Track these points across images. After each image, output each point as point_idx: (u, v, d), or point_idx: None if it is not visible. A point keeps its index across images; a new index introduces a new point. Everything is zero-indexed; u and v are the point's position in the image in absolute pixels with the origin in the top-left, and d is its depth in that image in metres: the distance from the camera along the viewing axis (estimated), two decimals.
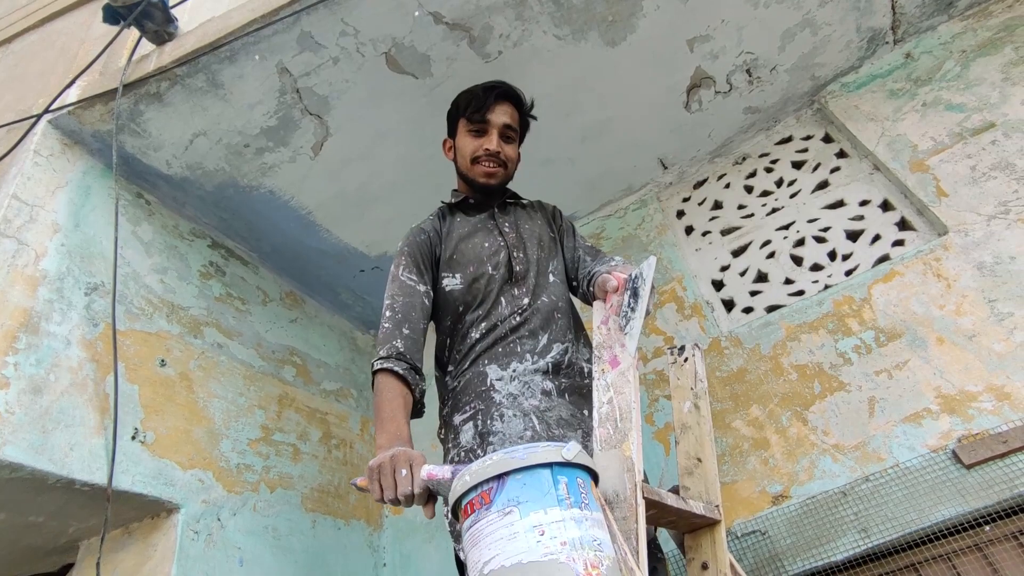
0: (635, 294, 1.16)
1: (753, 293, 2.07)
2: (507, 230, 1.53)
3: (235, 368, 1.94)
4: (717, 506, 1.26)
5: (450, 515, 0.93)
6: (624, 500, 1.01)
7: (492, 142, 1.51)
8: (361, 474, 2.28)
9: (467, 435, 1.27)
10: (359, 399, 2.48)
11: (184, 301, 1.88)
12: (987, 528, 1.43)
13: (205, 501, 1.62)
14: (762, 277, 2.09)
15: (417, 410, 1.31)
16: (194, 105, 1.77)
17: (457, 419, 1.32)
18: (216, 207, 2.07)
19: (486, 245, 1.50)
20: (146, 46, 1.77)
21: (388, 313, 1.34)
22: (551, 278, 1.52)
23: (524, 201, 1.67)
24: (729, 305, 2.10)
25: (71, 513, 1.49)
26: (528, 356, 1.36)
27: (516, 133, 1.59)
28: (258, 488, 1.81)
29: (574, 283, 1.57)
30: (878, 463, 1.59)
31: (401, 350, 1.27)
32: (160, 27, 1.71)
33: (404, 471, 1.01)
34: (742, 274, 2.12)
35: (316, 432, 2.17)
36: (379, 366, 1.25)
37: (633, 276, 1.19)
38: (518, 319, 1.40)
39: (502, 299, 1.43)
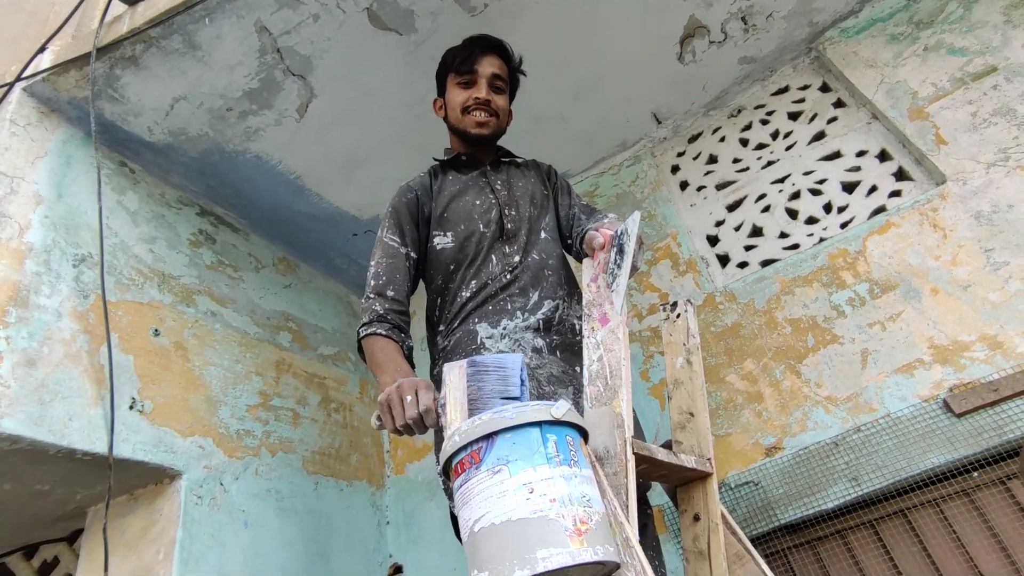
0: (621, 250, 1.15)
1: (748, 248, 2.06)
2: (499, 188, 1.52)
3: (230, 335, 1.94)
4: (709, 459, 1.28)
5: (442, 474, 0.94)
6: (614, 456, 1.02)
7: (481, 91, 1.51)
8: (361, 442, 2.30)
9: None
10: (357, 363, 2.49)
11: (175, 270, 1.86)
12: (975, 474, 1.45)
13: (207, 467, 1.65)
14: (757, 231, 2.07)
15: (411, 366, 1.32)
16: (172, 68, 1.71)
17: None
18: (202, 174, 2.04)
19: (477, 203, 1.49)
20: (118, 6, 1.71)
21: (373, 281, 1.37)
22: (542, 235, 1.51)
23: (519, 160, 1.65)
24: (724, 260, 2.09)
25: (76, 481, 1.52)
26: (519, 313, 1.36)
27: (505, 84, 1.59)
28: (259, 453, 1.84)
29: (569, 241, 1.57)
30: (870, 414, 1.60)
31: (382, 313, 1.31)
32: None
33: (410, 397, 1.03)
34: (737, 229, 2.10)
35: (315, 396, 2.19)
36: (364, 332, 1.29)
37: (619, 232, 1.17)
38: (508, 277, 1.40)
39: (492, 257, 1.43)
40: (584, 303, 1.21)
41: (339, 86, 1.90)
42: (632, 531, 0.91)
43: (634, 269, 1.18)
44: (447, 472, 0.92)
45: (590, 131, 2.35)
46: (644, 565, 0.87)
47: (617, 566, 0.84)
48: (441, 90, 1.63)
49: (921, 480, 1.50)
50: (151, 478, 1.58)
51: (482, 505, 0.82)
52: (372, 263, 1.41)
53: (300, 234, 2.39)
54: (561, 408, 0.90)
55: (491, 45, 1.56)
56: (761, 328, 1.86)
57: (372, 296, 1.34)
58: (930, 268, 1.69)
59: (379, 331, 1.28)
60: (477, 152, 1.58)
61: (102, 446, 1.42)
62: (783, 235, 2.01)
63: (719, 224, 2.15)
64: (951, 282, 1.65)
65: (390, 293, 1.35)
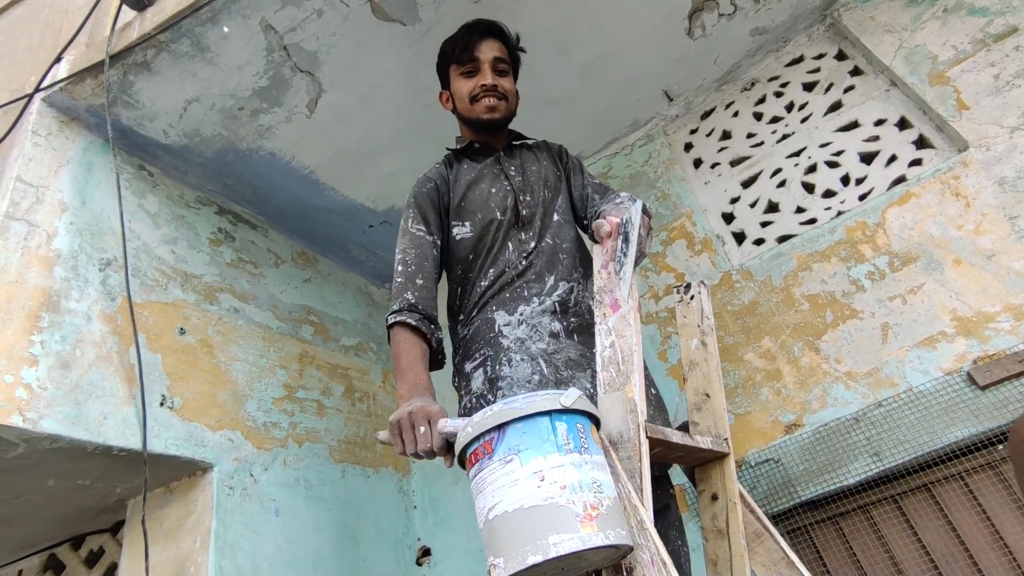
0: (626, 239, 1.15)
1: (764, 224, 2.03)
2: (513, 174, 1.52)
3: (253, 331, 1.99)
4: (726, 439, 1.29)
5: (457, 464, 0.97)
6: (628, 440, 1.03)
7: (487, 77, 1.51)
8: (385, 426, 2.35)
9: (477, 381, 1.30)
10: (379, 352, 2.54)
11: (197, 269, 1.91)
12: (1001, 447, 1.43)
13: (237, 459, 1.71)
14: (773, 207, 2.04)
15: (436, 360, 1.34)
16: (183, 71, 1.74)
17: (468, 366, 1.35)
18: (219, 173, 2.07)
19: (493, 191, 1.49)
20: (128, 12, 1.73)
21: (400, 268, 1.36)
22: (555, 217, 1.51)
23: (530, 142, 1.65)
24: (740, 238, 2.07)
25: (114, 476, 1.58)
26: (535, 299, 1.37)
27: (508, 65, 1.57)
28: (286, 443, 1.89)
29: (585, 221, 1.56)
30: (891, 388, 1.59)
31: (413, 302, 1.31)
32: None
33: (423, 428, 1.04)
34: (752, 205, 2.08)
35: (339, 387, 2.24)
36: (393, 320, 1.29)
37: (624, 220, 1.17)
38: (524, 263, 1.41)
39: (509, 244, 1.44)
40: (596, 290, 1.22)
41: (347, 80, 1.91)
42: (646, 514, 0.92)
43: (641, 255, 1.18)
44: (462, 463, 0.95)
45: (600, 112, 2.33)
46: (658, 546, 0.88)
47: (631, 548, 0.86)
48: (444, 82, 1.62)
49: (945, 454, 1.49)
50: (184, 471, 1.64)
51: (495, 494, 0.84)
52: (399, 253, 1.40)
53: (317, 228, 2.43)
54: (571, 396, 0.92)
55: (488, 29, 1.55)
56: (778, 305, 1.84)
57: (401, 282, 1.34)
58: (952, 238, 1.65)
59: (409, 320, 1.27)
60: (489, 138, 1.58)
61: (136, 442, 1.48)
62: (800, 210, 1.98)
63: (734, 201, 2.12)
64: (974, 252, 1.61)
65: (419, 281, 1.34)
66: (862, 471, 1.53)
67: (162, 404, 1.59)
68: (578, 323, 1.38)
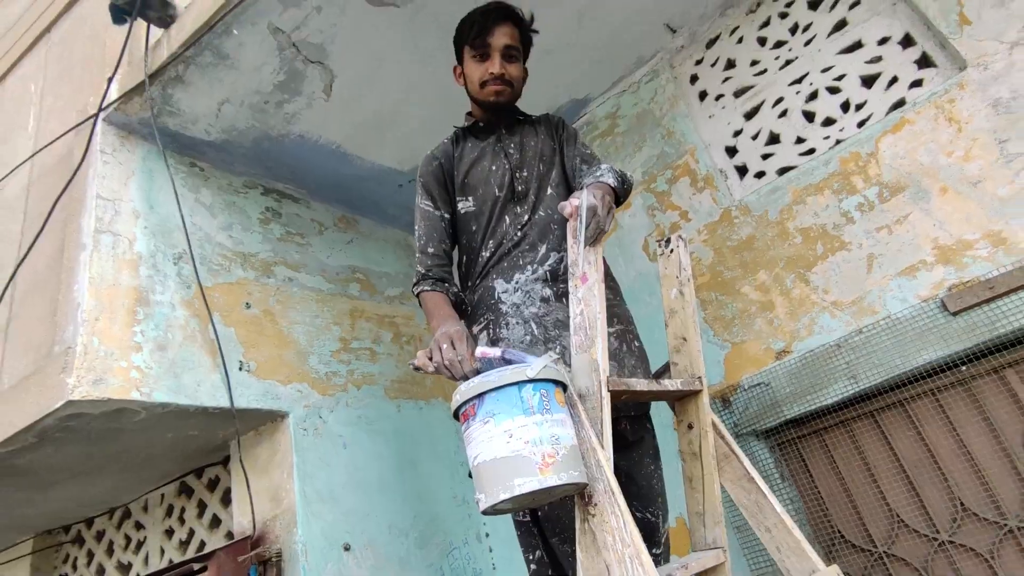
0: (582, 220, 1.31)
1: (765, 156, 2.08)
2: (512, 151, 1.67)
3: (307, 295, 2.31)
4: (699, 377, 1.49)
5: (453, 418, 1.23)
6: (592, 394, 1.25)
7: (495, 65, 1.60)
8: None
9: (482, 342, 1.55)
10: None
11: (252, 248, 2.22)
12: (963, 368, 1.55)
13: (306, 405, 2.08)
14: (774, 139, 2.08)
15: (461, 309, 1.58)
16: (211, 79, 1.95)
17: (475, 329, 1.59)
18: (259, 159, 2.32)
19: (493, 168, 1.66)
20: (156, 31, 1.94)
21: (417, 243, 1.61)
22: (549, 191, 1.67)
23: (532, 117, 1.77)
24: (743, 172, 2.13)
25: (215, 426, 1.98)
26: (529, 267, 1.57)
27: (519, 52, 1.66)
28: (347, 388, 2.25)
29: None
30: (872, 316, 1.70)
31: (423, 272, 1.56)
32: (161, 12, 1.86)
33: (445, 345, 1.28)
34: (754, 137, 2.12)
35: (388, 334, 2.56)
36: (416, 291, 1.56)
37: (579, 204, 1.32)
38: (519, 235, 1.60)
39: (506, 218, 1.62)
40: (569, 263, 1.40)
41: (354, 62, 2.06)
42: (603, 454, 1.16)
43: (601, 232, 1.34)
44: (457, 417, 1.21)
45: (602, 52, 2.35)
46: (610, 479, 1.13)
47: (586, 484, 1.11)
48: (459, 58, 1.70)
49: (918, 374, 1.62)
50: (267, 419, 2.03)
51: (477, 447, 1.11)
52: (415, 227, 1.65)
53: (353, 194, 2.67)
54: (535, 368, 1.14)
55: (502, 15, 1.61)
56: (774, 239, 1.94)
57: (417, 256, 1.59)
58: (941, 166, 1.68)
59: (424, 288, 1.55)
60: (494, 117, 1.71)
61: (225, 401, 1.85)
62: (799, 140, 2.01)
63: (737, 134, 2.16)
64: (961, 179, 1.64)
65: (430, 250, 1.59)
66: (839, 392, 1.69)
67: (240, 368, 1.95)
68: (566, 288, 1.57)
